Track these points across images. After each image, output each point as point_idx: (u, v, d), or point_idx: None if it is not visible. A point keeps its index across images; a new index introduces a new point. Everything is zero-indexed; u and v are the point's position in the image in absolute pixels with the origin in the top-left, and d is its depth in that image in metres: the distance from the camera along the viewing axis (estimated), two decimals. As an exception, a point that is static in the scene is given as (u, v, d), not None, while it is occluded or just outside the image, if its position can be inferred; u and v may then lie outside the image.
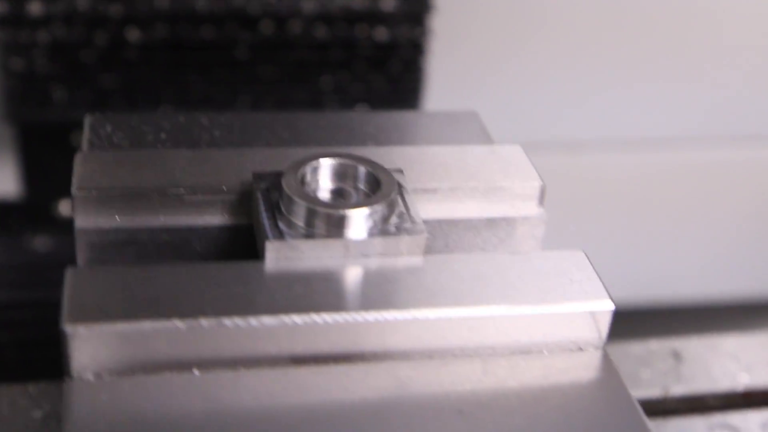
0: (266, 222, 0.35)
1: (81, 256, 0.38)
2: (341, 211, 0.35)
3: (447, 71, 0.86)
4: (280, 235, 0.35)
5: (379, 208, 0.35)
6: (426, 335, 0.33)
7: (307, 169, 0.37)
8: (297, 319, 0.32)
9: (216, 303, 0.33)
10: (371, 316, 0.32)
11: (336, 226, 0.35)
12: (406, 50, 0.80)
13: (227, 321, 0.32)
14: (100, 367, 0.32)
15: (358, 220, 0.35)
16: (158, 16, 0.74)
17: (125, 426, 0.30)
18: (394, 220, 0.36)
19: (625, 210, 1.01)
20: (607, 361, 0.34)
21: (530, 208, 0.41)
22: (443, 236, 0.39)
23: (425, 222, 0.37)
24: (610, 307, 0.34)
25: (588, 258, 0.36)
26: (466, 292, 0.34)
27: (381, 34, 0.79)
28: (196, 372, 0.32)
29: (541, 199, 0.41)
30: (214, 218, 0.38)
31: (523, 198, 0.40)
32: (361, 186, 0.38)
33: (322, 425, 0.31)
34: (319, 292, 0.33)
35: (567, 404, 0.32)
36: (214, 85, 0.78)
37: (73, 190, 0.37)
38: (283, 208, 0.36)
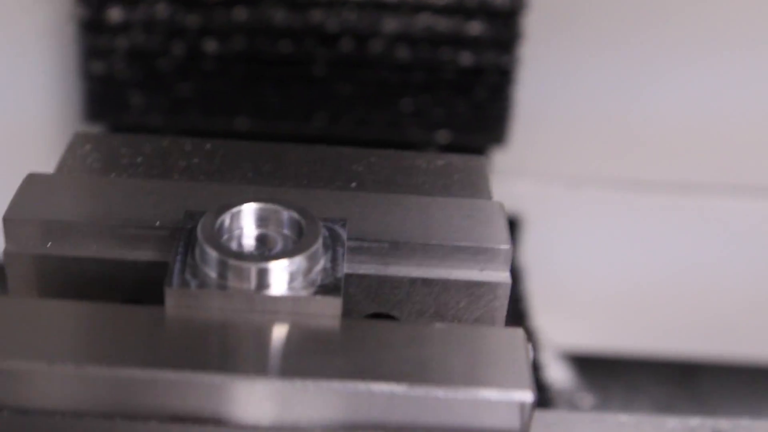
0: (175, 266, 0.33)
1: (10, 280, 0.37)
2: (246, 263, 0.32)
3: (535, 100, 0.82)
4: (182, 282, 0.33)
5: (293, 262, 0.33)
6: (301, 406, 0.30)
7: (230, 213, 0.34)
8: (143, 373, 0.30)
9: (98, 347, 0.31)
10: (230, 379, 0.30)
11: (241, 279, 0.33)
12: (492, 76, 0.76)
13: (90, 368, 0.30)
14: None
15: (266, 274, 0.32)
16: (236, 28, 0.74)
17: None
18: (312, 275, 0.33)
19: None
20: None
21: (492, 274, 0.37)
22: (380, 297, 0.36)
23: (366, 278, 0.34)
24: (529, 398, 0.30)
25: (525, 337, 0.32)
26: (366, 363, 0.31)
27: (466, 58, 0.75)
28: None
29: (507, 264, 0.37)
30: (146, 253, 0.36)
31: (485, 262, 0.37)
32: (289, 234, 0.35)
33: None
34: (196, 347, 0.31)
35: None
36: (291, 100, 0.76)
37: (5, 213, 0.36)
38: (196, 253, 0.33)
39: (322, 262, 0.34)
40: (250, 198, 0.35)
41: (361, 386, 0.30)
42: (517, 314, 0.83)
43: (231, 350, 0.31)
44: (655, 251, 0.89)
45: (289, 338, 0.32)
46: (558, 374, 0.91)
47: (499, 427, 0.31)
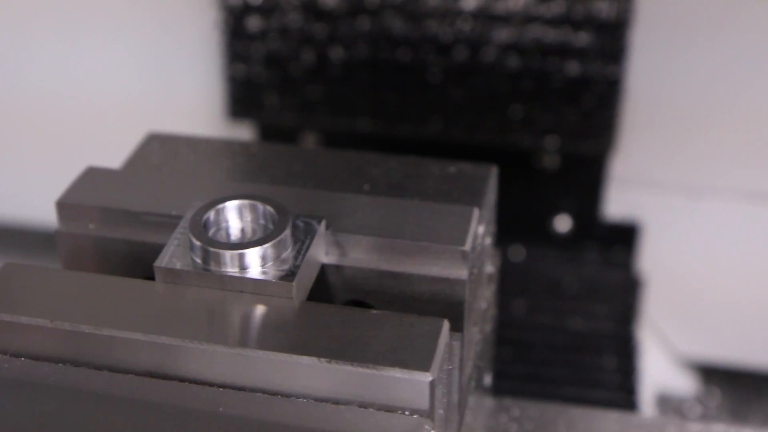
0: (169, 248, 0.40)
1: (60, 255, 0.45)
2: (220, 250, 0.39)
3: (652, 109, 0.83)
4: (169, 262, 0.39)
5: (261, 249, 0.39)
6: (242, 371, 0.36)
7: (215, 209, 0.41)
8: (125, 334, 0.36)
9: (93, 311, 0.38)
10: (184, 342, 0.36)
11: (217, 262, 0.39)
12: (599, 86, 0.79)
13: (86, 328, 0.37)
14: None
15: (238, 259, 0.39)
16: (359, 37, 0.80)
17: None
18: (282, 262, 0.39)
19: None
20: (418, 428, 0.35)
21: (452, 272, 0.41)
22: (355, 286, 0.41)
23: (342, 268, 0.40)
24: (427, 378, 0.35)
25: (447, 327, 0.37)
26: (298, 340, 0.36)
27: (573, 68, 0.78)
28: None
29: (465, 264, 0.41)
30: (164, 237, 0.43)
31: (446, 260, 0.41)
32: (269, 226, 0.41)
33: None
34: (171, 316, 0.37)
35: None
36: (408, 104, 0.82)
37: (59, 198, 0.44)
38: (185, 240, 0.40)
39: (289, 251, 0.40)
40: (234, 195, 0.41)
41: (289, 358, 0.36)
42: (628, 319, 0.85)
43: (195, 320, 0.38)
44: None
45: (245, 314, 0.38)
46: (676, 382, 0.92)
47: (409, 405, 0.35)
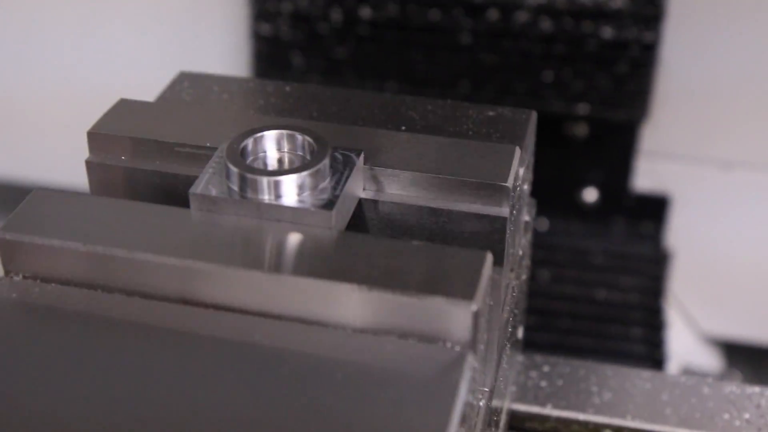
0: (204, 176, 0.39)
1: (90, 185, 0.44)
2: (257, 176, 0.37)
3: (685, 79, 0.82)
4: (205, 189, 0.38)
5: (298, 177, 0.38)
6: (278, 298, 0.35)
7: (253, 137, 0.40)
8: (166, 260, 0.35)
9: (127, 235, 0.37)
10: (219, 267, 0.35)
11: (254, 190, 0.38)
12: (633, 51, 0.77)
13: (120, 252, 0.36)
14: (19, 269, 0.38)
15: (275, 186, 0.38)
16: (389, -4, 0.79)
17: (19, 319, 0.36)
18: (320, 192, 0.38)
19: None
20: (460, 359, 0.34)
21: (493, 209, 0.40)
22: (392, 223, 0.40)
23: (380, 204, 0.39)
24: (472, 308, 0.34)
25: (491, 259, 0.36)
26: (338, 267, 0.35)
27: (607, 32, 0.77)
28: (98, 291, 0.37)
29: (507, 200, 0.40)
30: (196, 169, 0.42)
31: (486, 197, 0.40)
32: (307, 157, 0.40)
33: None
34: (206, 242, 0.36)
35: (382, 387, 0.33)
36: (437, 67, 0.81)
37: (90, 128, 0.43)
38: (222, 168, 0.39)
39: (327, 181, 0.39)
40: (273, 125, 0.40)
41: (327, 285, 0.35)
42: (655, 292, 0.84)
43: (231, 246, 0.37)
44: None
45: (281, 241, 0.37)
46: (700, 358, 0.90)
47: (451, 335, 0.34)
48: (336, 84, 0.83)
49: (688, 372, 0.87)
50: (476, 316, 0.34)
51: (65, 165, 0.93)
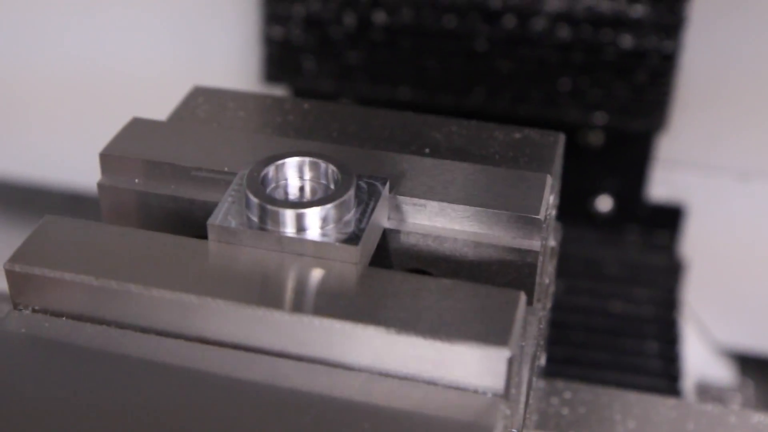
0: (223, 205, 0.37)
1: (103, 209, 0.42)
2: (277, 208, 0.36)
3: (703, 88, 0.80)
4: (224, 220, 0.37)
5: (321, 210, 0.36)
6: (299, 338, 0.33)
7: (275, 165, 0.38)
8: (177, 296, 0.34)
9: (141, 269, 0.35)
10: (238, 306, 0.33)
11: (275, 222, 0.36)
12: (653, 60, 0.76)
13: (134, 287, 0.34)
14: (28, 302, 0.36)
15: (297, 219, 0.36)
16: (403, 1, 0.77)
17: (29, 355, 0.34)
18: (344, 224, 0.36)
19: None
20: (492, 409, 0.32)
21: (524, 242, 0.38)
22: (418, 254, 0.39)
23: (405, 234, 0.37)
24: (505, 354, 0.32)
25: (525, 299, 0.34)
26: (363, 308, 0.34)
27: (627, 41, 0.75)
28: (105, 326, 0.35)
29: (539, 233, 0.38)
30: (214, 195, 0.40)
31: (518, 229, 0.38)
32: (330, 186, 0.38)
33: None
34: (224, 277, 0.35)
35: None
36: (452, 73, 0.79)
37: (103, 149, 0.42)
38: (242, 198, 0.37)
39: (352, 213, 0.37)
40: (295, 152, 0.38)
41: (353, 327, 0.33)
42: (670, 304, 0.82)
43: (250, 282, 0.35)
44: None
45: (303, 278, 0.35)
46: (714, 371, 0.89)
47: (483, 383, 0.33)
48: (348, 89, 0.81)
49: (703, 386, 0.86)
50: (510, 362, 0.32)
51: (65, 163, 0.92)
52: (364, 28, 0.79)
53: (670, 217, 0.86)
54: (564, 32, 0.76)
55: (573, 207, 0.86)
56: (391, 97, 0.81)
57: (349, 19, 0.79)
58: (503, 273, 0.39)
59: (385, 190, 0.38)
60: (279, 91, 0.84)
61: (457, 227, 0.39)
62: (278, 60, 0.81)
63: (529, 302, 0.38)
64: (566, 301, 0.81)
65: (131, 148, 0.42)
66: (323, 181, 0.38)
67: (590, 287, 0.82)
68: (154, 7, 0.86)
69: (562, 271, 0.84)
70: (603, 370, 0.76)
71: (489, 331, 0.33)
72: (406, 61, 0.79)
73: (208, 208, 0.40)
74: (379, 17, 0.78)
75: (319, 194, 0.38)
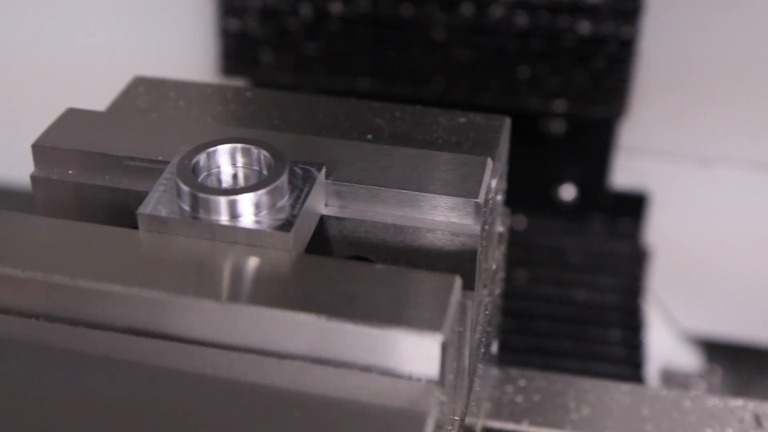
0: (154, 194, 0.37)
1: (36, 202, 0.41)
2: (207, 195, 0.35)
3: (664, 74, 0.80)
4: (154, 209, 0.36)
5: (254, 196, 0.35)
6: (231, 328, 0.33)
7: (206, 152, 0.37)
8: (100, 285, 0.33)
9: (70, 261, 0.35)
10: (169, 296, 0.33)
11: (206, 210, 0.35)
12: (611, 47, 0.75)
13: (62, 279, 0.34)
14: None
15: (229, 206, 0.35)
16: (360, -10, 0.76)
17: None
18: (278, 211, 0.36)
19: None
20: (426, 395, 0.32)
21: (463, 226, 0.38)
22: (357, 241, 0.38)
23: (343, 220, 0.37)
24: (438, 339, 0.31)
25: (460, 284, 0.34)
26: (296, 295, 0.33)
27: (584, 27, 0.75)
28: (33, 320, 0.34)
29: (477, 217, 0.38)
30: (151, 184, 0.39)
31: (456, 213, 0.38)
32: (264, 173, 0.37)
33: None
34: (156, 268, 0.34)
35: (342, 424, 0.30)
36: (410, 63, 0.78)
37: (35, 141, 0.41)
38: (172, 186, 0.37)
39: (285, 199, 0.36)
40: (227, 138, 0.37)
41: (285, 314, 0.32)
42: (634, 292, 0.82)
43: (182, 271, 0.34)
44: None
45: (236, 266, 0.34)
46: (680, 357, 0.89)
47: (417, 369, 0.32)
48: (306, 81, 0.80)
49: (668, 373, 0.86)
50: (444, 347, 0.32)
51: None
52: (320, 18, 0.78)
53: (633, 205, 0.86)
54: (522, 20, 0.75)
55: (536, 196, 0.86)
56: (350, 88, 0.80)
57: (306, 10, 0.78)
58: (443, 258, 0.38)
59: (321, 176, 0.38)
60: (237, 84, 0.83)
61: (395, 212, 0.38)
62: (235, 53, 0.81)
63: (469, 287, 0.37)
64: (530, 290, 0.81)
65: (65, 138, 0.41)
66: (256, 168, 0.37)
67: (554, 276, 0.82)
68: (109, 1, 0.85)
69: (526, 261, 0.84)
70: (567, 359, 0.75)
71: (422, 316, 0.32)
72: (364, 52, 0.79)
73: (142, 198, 0.39)
74: (336, 7, 0.77)
75: (252, 181, 0.37)
